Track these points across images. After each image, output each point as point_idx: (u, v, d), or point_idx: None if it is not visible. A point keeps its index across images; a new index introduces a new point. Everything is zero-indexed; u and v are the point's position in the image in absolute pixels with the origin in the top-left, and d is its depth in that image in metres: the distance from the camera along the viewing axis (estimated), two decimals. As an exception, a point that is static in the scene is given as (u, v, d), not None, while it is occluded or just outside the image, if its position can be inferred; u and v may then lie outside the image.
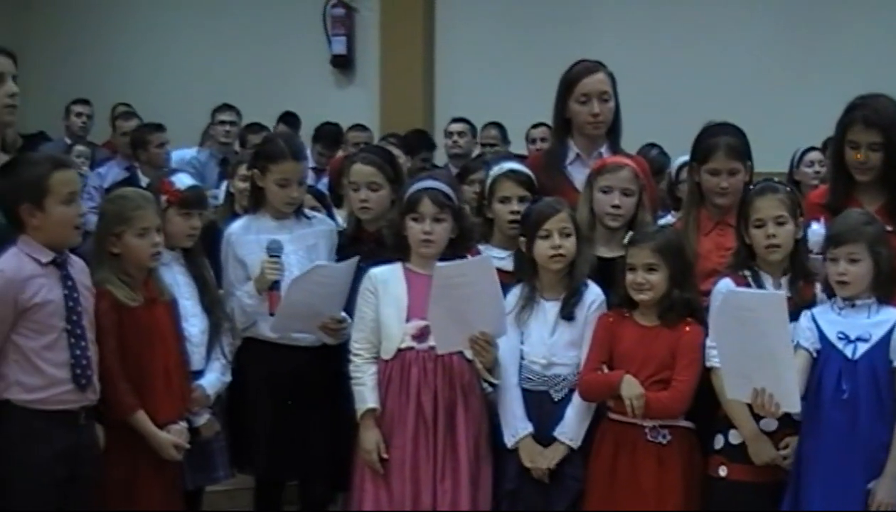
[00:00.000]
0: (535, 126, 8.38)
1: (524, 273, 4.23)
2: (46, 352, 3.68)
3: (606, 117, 4.69)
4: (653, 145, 7.16)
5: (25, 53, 10.99)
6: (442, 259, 4.12)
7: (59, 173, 3.74)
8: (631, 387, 3.95)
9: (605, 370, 4.05)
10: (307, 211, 4.69)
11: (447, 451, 4.07)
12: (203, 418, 4.25)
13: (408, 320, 4.14)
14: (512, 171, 4.52)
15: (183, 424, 4.09)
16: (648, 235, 4.09)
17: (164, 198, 4.29)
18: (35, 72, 10.92)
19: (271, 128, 8.49)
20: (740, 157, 4.37)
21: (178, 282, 4.30)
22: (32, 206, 3.70)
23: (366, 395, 4.14)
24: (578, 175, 4.63)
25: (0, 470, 3.67)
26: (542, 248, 4.15)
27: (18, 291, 3.64)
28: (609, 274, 4.20)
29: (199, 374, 4.29)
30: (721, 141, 4.37)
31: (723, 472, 3.98)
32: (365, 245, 4.54)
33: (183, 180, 4.43)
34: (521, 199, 4.44)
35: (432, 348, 4.10)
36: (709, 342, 3.99)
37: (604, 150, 4.72)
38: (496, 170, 4.56)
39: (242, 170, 5.47)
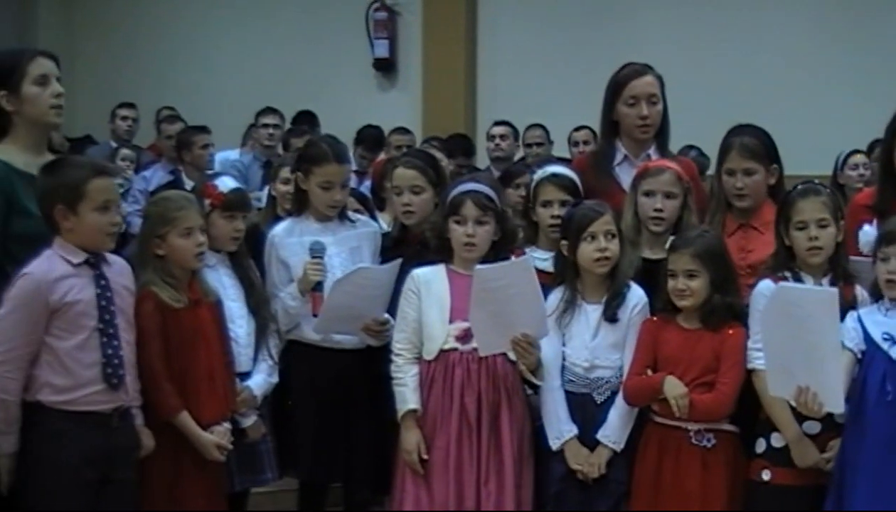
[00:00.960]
0: (577, 129, 8.36)
1: (565, 276, 4.22)
2: (77, 352, 3.69)
3: (655, 120, 4.68)
4: (691, 147, 7.14)
5: (73, 58, 11.18)
6: (484, 261, 4.13)
7: (98, 180, 3.75)
8: (674, 387, 3.94)
9: (650, 374, 4.04)
10: (350, 213, 4.71)
11: (491, 452, 4.07)
12: (250, 420, 4.27)
13: (451, 322, 4.14)
14: (554, 176, 4.51)
15: (226, 426, 4.09)
16: (688, 241, 4.07)
17: (207, 201, 4.31)
18: (82, 76, 11.07)
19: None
20: (756, 157, 4.34)
21: (224, 284, 4.31)
22: (66, 209, 3.72)
23: (407, 395, 4.15)
24: (626, 177, 4.61)
25: (30, 471, 3.68)
26: (586, 251, 4.14)
27: (48, 292, 3.65)
28: (653, 276, 4.19)
29: (247, 375, 4.31)
30: (735, 141, 4.36)
31: (766, 476, 3.95)
32: (409, 247, 4.55)
33: (226, 183, 4.44)
34: (563, 204, 4.44)
35: (476, 350, 4.10)
36: (750, 344, 3.97)
37: (652, 151, 4.71)
38: (540, 173, 4.55)
39: (285, 173, 5.49)
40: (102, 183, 3.76)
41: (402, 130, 8.49)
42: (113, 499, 3.77)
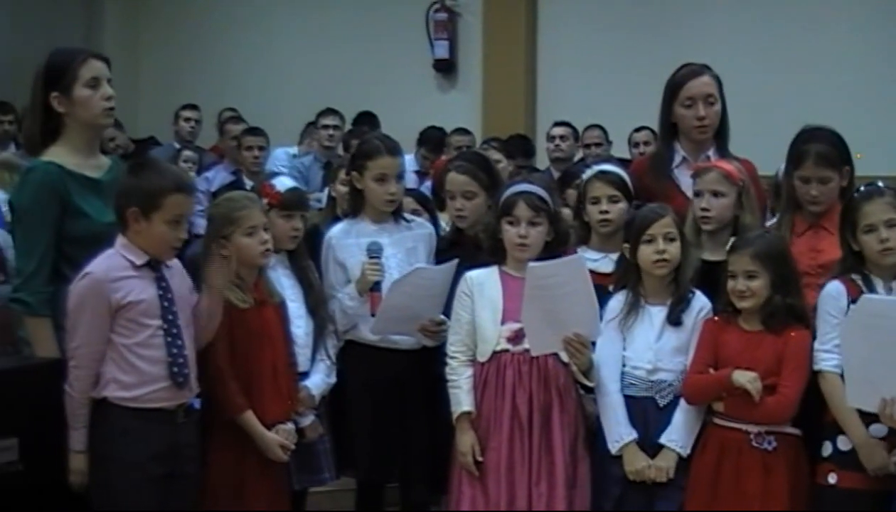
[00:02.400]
0: (637, 130, 8.32)
1: (628, 279, 4.20)
2: (142, 349, 3.73)
3: (713, 121, 4.65)
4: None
5: (138, 61, 11.34)
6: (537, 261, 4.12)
7: (177, 196, 3.77)
8: (743, 374, 3.90)
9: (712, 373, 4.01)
10: (406, 215, 4.73)
11: (542, 453, 4.07)
12: (308, 420, 4.30)
13: (503, 323, 4.14)
14: (602, 173, 4.51)
15: (291, 426, 4.13)
16: (748, 242, 4.04)
17: (265, 200, 4.34)
18: (146, 78, 11.22)
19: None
20: (832, 164, 4.28)
21: (282, 284, 4.35)
22: (139, 213, 3.75)
23: (461, 398, 4.16)
24: (685, 179, 4.59)
25: (98, 468, 3.74)
26: (646, 253, 4.13)
27: (110, 291, 3.70)
28: (713, 277, 4.16)
29: (305, 375, 4.34)
30: (812, 149, 4.28)
31: (832, 479, 3.91)
32: (464, 248, 4.56)
33: (283, 182, 4.48)
34: (611, 200, 4.44)
35: (527, 351, 4.10)
36: (817, 345, 3.94)
37: (711, 153, 4.69)
38: (588, 172, 4.56)
39: (343, 174, 5.52)
40: (180, 199, 3.79)
41: (462, 131, 8.51)
42: (178, 494, 3.81)
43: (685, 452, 4.05)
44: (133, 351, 3.72)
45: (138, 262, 3.78)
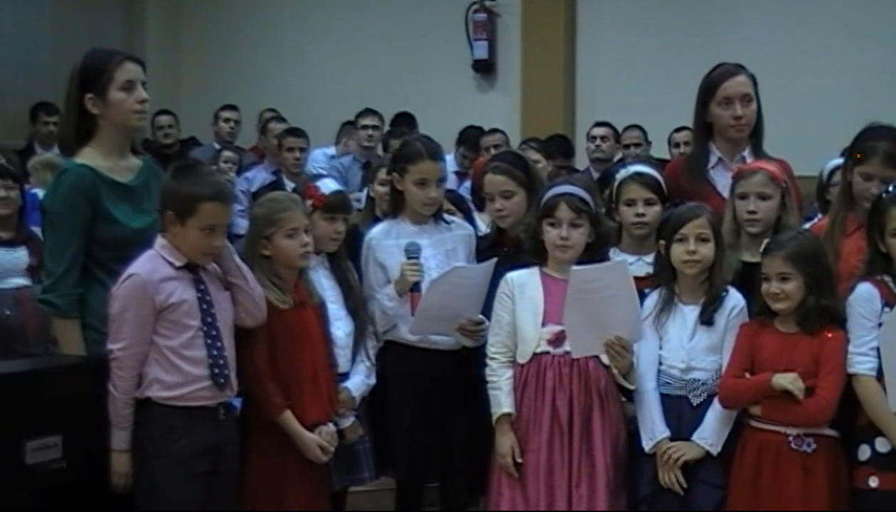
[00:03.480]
0: (677, 130, 8.30)
1: (663, 277, 4.20)
2: (184, 349, 3.77)
3: (749, 120, 4.63)
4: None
5: (178, 63, 11.42)
6: (578, 263, 4.12)
7: (211, 205, 3.79)
8: (784, 376, 3.88)
9: (748, 377, 3.99)
10: (446, 216, 4.73)
11: (583, 455, 4.06)
12: (348, 421, 4.31)
13: (544, 325, 4.14)
14: (638, 174, 4.49)
15: (332, 427, 4.14)
16: (781, 244, 4.01)
17: (309, 202, 4.36)
18: (186, 79, 11.30)
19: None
20: None
21: (323, 286, 4.36)
22: (175, 217, 3.79)
23: (501, 399, 4.16)
24: (721, 179, 4.59)
25: (144, 466, 3.77)
26: (677, 252, 4.12)
27: (154, 292, 3.73)
28: (753, 279, 4.12)
29: (345, 376, 4.35)
30: (880, 146, 4.19)
31: (873, 482, 3.88)
32: (505, 249, 4.57)
33: (328, 185, 4.49)
34: (647, 202, 4.43)
35: (568, 353, 4.09)
36: (851, 348, 3.91)
37: (746, 153, 4.67)
38: (623, 173, 4.54)
39: (383, 174, 5.53)
40: (215, 208, 3.80)
41: (494, 131, 8.50)
42: (221, 490, 3.85)
43: (714, 450, 4.03)
44: (175, 352, 3.76)
45: (178, 263, 3.81)
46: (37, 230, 5.74)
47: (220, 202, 3.84)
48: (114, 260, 3.91)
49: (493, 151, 7.53)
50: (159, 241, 3.83)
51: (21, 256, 5.79)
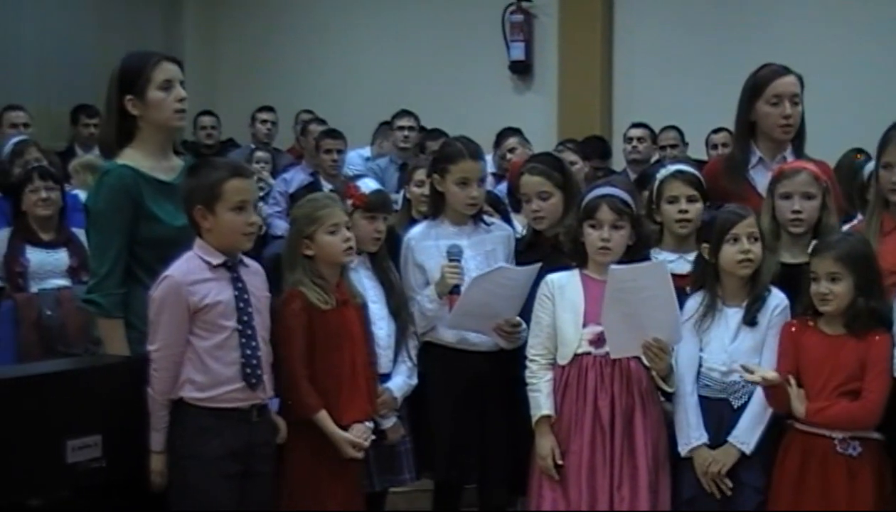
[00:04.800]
0: (715, 131, 8.26)
1: (705, 280, 4.17)
2: (217, 351, 3.77)
3: (797, 121, 4.61)
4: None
5: (216, 66, 11.48)
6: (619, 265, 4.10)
7: (235, 181, 3.81)
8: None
9: (792, 381, 3.95)
10: (485, 217, 4.72)
11: (625, 457, 4.05)
12: (390, 421, 4.32)
13: (584, 326, 4.13)
14: (679, 172, 4.48)
15: (367, 424, 4.14)
16: (831, 244, 3.98)
17: (349, 202, 4.37)
18: (224, 82, 11.35)
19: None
20: None
21: (364, 286, 4.36)
22: (205, 209, 3.80)
23: (541, 401, 4.15)
24: (761, 180, 4.55)
25: (177, 467, 3.79)
26: (729, 253, 4.09)
27: (188, 294, 3.74)
28: (793, 280, 4.11)
29: (386, 377, 4.36)
30: (893, 134, 4.21)
31: (920, 486, 3.86)
32: (541, 250, 4.56)
33: (368, 184, 4.50)
34: (690, 199, 4.41)
35: (609, 354, 4.08)
36: None
37: (787, 154, 4.64)
38: (664, 171, 4.53)
39: (418, 175, 5.54)
40: (238, 184, 3.83)
41: (511, 134, 8.45)
42: (254, 491, 3.85)
43: (748, 449, 4.01)
44: (209, 353, 3.77)
45: (215, 262, 3.82)
46: (77, 231, 5.80)
47: (242, 177, 3.87)
48: (156, 260, 3.93)
49: (509, 156, 7.57)
50: (196, 242, 3.85)
51: (62, 257, 5.83)
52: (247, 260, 3.95)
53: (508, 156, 7.71)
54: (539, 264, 4.36)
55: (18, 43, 10.20)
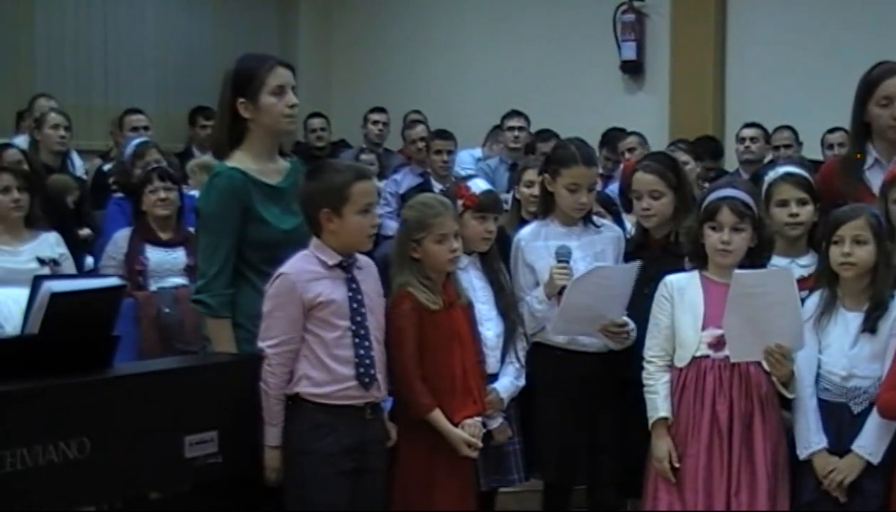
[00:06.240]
0: (831, 131, 8.12)
1: (824, 278, 4.11)
2: (332, 349, 3.81)
3: None
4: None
5: (329, 67, 11.59)
6: (739, 268, 4.05)
7: (361, 184, 3.86)
8: None
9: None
10: (595, 218, 4.71)
11: (743, 462, 4.00)
12: (497, 422, 4.32)
13: (704, 328, 4.09)
14: (789, 174, 4.42)
15: (477, 419, 4.14)
16: None
17: (460, 202, 4.39)
18: (337, 83, 11.47)
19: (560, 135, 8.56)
20: None
21: (474, 286, 4.38)
22: (331, 212, 3.84)
23: (658, 403, 4.12)
24: (877, 181, 4.48)
25: (291, 462, 3.83)
26: (833, 254, 4.03)
27: (303, 291, 3.79)
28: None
29: (494, 377, 4.36)
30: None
31: None
32: (650, 251, 4.54)
33: (479, 185, 4.51)
34: (800, 202, 4.35)
35: (728, 358, 4.03)
36: None
37: (906, 154, 4.56)
38: (772, 174, 4.48)
39: (528, 175, 5.54)
40: (364, 186, 3.88)
41: (631, 133, 8.41)
42: (366, 489, 3.89)
43: (875, 459, 3.93)
44: (324, 350, 3.81)
45: (331, 262, 3.86)
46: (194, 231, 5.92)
47: (367, 180, 3.92)
48: (263, 261, 4.00)
49: (627, 156, 7.54)
50: (313, 241, 3.90)
51: (179, 256, 5.94)
52: (361, 259, 3.98)
53: (626, 155, 7.70)
54: (639, 262, 4.34)
55: (140, 48, 10.44)
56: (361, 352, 3.85)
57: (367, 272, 3.99)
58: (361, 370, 3.84)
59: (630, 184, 4.73)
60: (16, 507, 3.27)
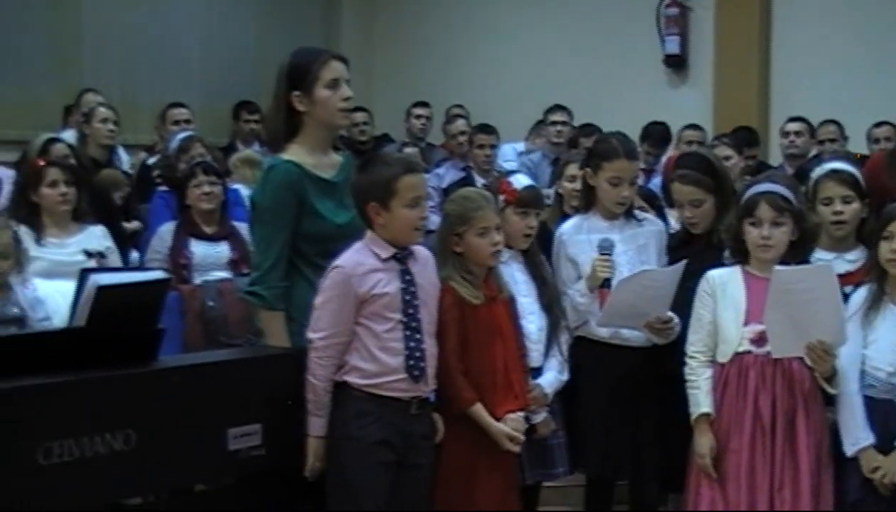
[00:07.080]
0: (877, 125, 8.06)
1: (873, 273, 4.08)
2: (383, 341, 3.82)
3: None
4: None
5: (373, 62, 11.61)
6: (781, 262, 4.04)
7: (408, 177, 3.85)
8: None
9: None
10: (637, 212, 4.70)
11: (786, 458, 3.98)
12: (540, 416, 4.32)
13: (746, 324, 4.07)
14: (834, 171, 4.40)
15: (519, 414, 4.13)
16: None
17: (501, 197, 4.39)
18: (380, 78, 11.47)
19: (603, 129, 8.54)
20: None
21: (516, 280, 4.38)
22: (379, 206, 3.84)
23: (700, 399, 4.11)
24: (925, 176, 4.45)
25: (333, 449, 3.84)
26: (882, 249, 4.01)
27: (357, 284, 3.79)
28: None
29: (537, 372, 4.36)
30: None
31: None
32: (694, 247, 4.54)
33: (520, 180, 4.52)
34: (845, 200, 4.32)
35: (770, 353, 4.01)
36: None
37: (956, 148, 4.52)
38: (818, 171, 4.46)
39: (570, 170, 5.53)
40: (412, 180, 3.87)
41: (694, 127, 8.41)
42: (409, 483, 3.89)
43: None
44: (375, 343, 3.82)
45: (384, 255, 3.87)
46: (237, 225, 5.95)
47: (415, 173, 3.91)
48: (317, 254, 4.01)
49: (684, 148, 7.50)
50: (368, 234, 3.91)
51: (223, 250, 5.96)
52: (418, 251, 3.98)
53: (685, 148, 7.66)
54: (684, 262, 4.32)
55: (185, 43, 10.50)
56: (412, 344, 3.85)
57: (424, 264, 3.98)
58: (411, 363, 3.84)
59: (670, 188, 4.72)
60: (63, 498, 3.30)
